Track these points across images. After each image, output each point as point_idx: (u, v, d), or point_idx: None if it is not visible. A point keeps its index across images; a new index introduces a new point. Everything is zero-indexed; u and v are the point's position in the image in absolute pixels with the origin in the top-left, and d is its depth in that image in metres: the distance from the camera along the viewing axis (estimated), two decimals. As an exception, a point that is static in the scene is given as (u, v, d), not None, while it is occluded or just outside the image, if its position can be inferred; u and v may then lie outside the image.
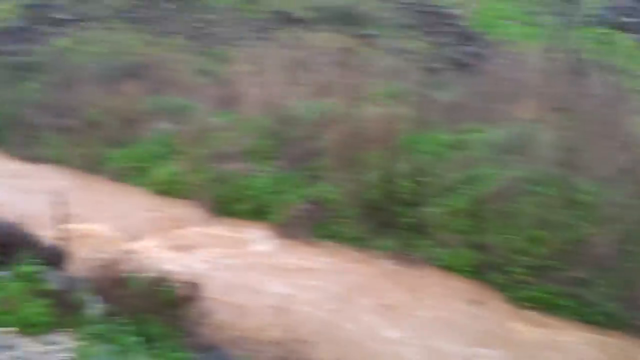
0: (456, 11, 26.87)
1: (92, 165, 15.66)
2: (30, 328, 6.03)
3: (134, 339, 6.52)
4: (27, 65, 21.17)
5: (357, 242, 11.56)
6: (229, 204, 13.19)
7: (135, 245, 10.93)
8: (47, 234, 9.32)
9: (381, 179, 11.85)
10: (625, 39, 23.17)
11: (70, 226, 9.22)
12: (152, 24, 24.07)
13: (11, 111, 17.86)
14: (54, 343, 6.08)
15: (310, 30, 22.62)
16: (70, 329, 6.39)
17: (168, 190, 14.21)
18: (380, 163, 12.03)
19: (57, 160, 16.15)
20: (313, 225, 12.09)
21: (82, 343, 6.16)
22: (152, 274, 7.64)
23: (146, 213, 13.11)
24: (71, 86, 18.58)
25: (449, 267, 10.58)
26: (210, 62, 20.87)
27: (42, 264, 7.81)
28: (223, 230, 12.36)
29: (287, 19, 23.66)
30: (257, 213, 12.94)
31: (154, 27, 23.75)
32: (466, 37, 24.30)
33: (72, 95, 17.93)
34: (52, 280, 7.49)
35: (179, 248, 11.29)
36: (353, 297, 9.55)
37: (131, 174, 15.01)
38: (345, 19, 23.99)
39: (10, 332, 5.87)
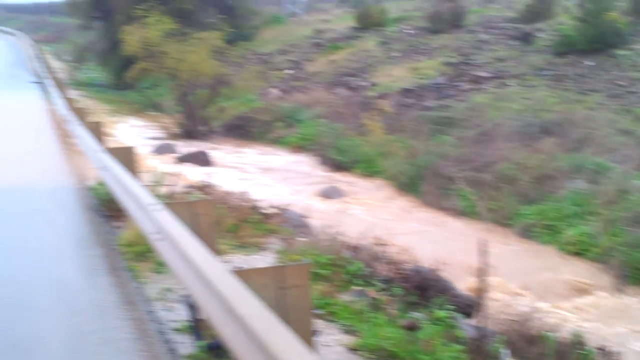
0: None
1: (500, 220, 15.74)
2: (446, 371, 6.19)
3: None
4: (444, 120, 22.26)
5: None
6: (643, 272, 12.25)
7: (543, 304, 10.69)
8: (459, 283, 9.60)
9: None
10: None
11: (484, 278, 9.36)
12: (571, 81, 23.68)
13: (426, 162, 18.81)
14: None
15: None
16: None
17: (578, 251, 13.68)
18: None
19: (467, 212, 16.54)
20: None
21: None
22: (567, 336, 7.39)
23: (554, 272, 12.78)
24: (485, 141, 19.07)
25: None
26: (632, 121, 19.79)
27: (454, 311, 8.02)
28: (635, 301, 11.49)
29: None
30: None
31: (572, 84, 23.34)
32: None
33: (486, 149, 18.38)
34: (465, 328, 7.64)
35: (588, 312, 10.78)
36: None
37: (540, 232, 14.76)
38: None
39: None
